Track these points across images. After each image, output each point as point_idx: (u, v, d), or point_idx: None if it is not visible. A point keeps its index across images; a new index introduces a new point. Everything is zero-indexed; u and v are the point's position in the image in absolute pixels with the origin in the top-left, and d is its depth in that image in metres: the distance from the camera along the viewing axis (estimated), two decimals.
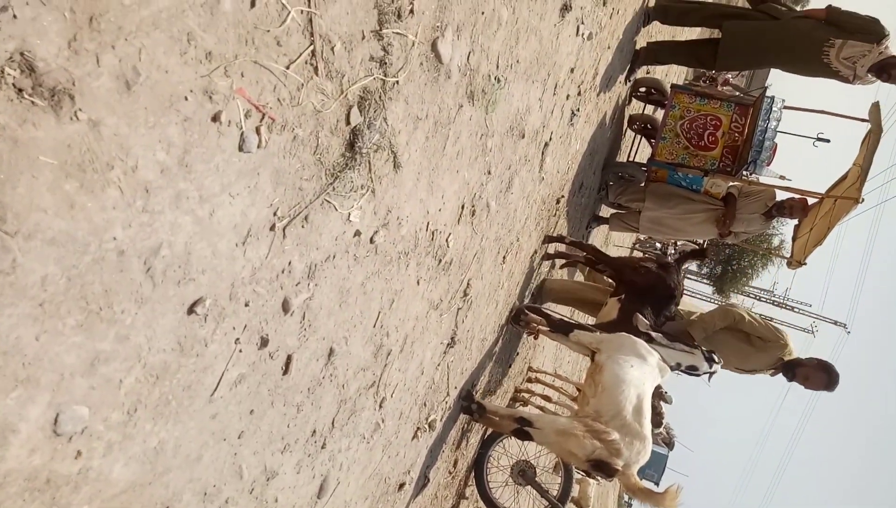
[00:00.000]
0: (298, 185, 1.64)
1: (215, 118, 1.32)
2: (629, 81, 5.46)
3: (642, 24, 5.08)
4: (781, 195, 5.06)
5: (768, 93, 5.11)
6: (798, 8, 5.27)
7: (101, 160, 1.10)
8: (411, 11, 1.86)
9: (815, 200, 4.93)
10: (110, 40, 1.06)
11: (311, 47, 1.53)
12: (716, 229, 5.22)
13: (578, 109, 4.07)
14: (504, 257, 3.44)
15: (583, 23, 3.49)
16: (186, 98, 1.24)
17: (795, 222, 5.15)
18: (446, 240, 2.63)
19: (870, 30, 4.18)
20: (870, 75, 4.32)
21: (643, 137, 6.06)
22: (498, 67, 2.62)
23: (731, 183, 5.18)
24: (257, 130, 1.45)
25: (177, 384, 1.34)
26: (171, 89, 1.20)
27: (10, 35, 0.93)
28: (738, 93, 5.76)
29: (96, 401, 1.17)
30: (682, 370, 3.34)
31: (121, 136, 1.13)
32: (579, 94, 4.00)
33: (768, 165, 5.15)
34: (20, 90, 0.96)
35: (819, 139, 5.23)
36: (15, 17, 0.92)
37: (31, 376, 1.05)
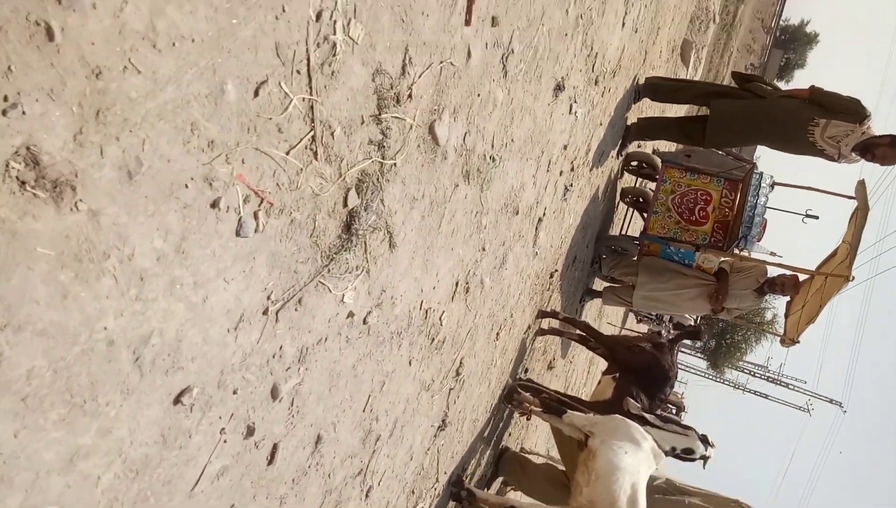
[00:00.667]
0: (294, 268, 1.63)
1: (214, 204, 1.32)
2: (621, 155, 5.58)
3: (633, 101, 5.24)
4: (773, 271, 5.09)
5: (757, 168, 5.22)
6: (783, 87, 5.44)
7: (99, 249, 1.09)
8: (410, 96, 1.91)
9: (806, 276, 4.96)
10: (115, 132, 1.07)
11: (312, 133, 1.55)
12: (709, 305, 5.21)
13: (571, 185, 4.14)
14: (497, 334, 3.41)
15: (575, 101, 3.59)
16: (187, 186, 1.24)
17: (787, 298, 5.16)
18: (440, 318, 2.61)
19: (852, 110, 4.31)
20: (854, 154, 4.42)
21: (635, 211, 6.15)
22: (493, 146, 2.67)
23: (722, 258, 5.21)
24: (255, 215, 1.45)
25: (157, 479, 1.29)
26: (172, 178, 1.21)
27: (18, 130, 0.93)
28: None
29: (71, 500, 1.11)
30: (677, 454, 3.26)
31: (120, 225, 1.12)
32: (572, 169, 4.07)
33: (759, 240, 5.21)
34: (23, 183, 0.96)
35: (808, 216, 5.31)
36: (24, 113, 0.93)
37: (4, 475, 1.00)
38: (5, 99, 0.91)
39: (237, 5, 1.22)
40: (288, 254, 1.60)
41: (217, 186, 1.32)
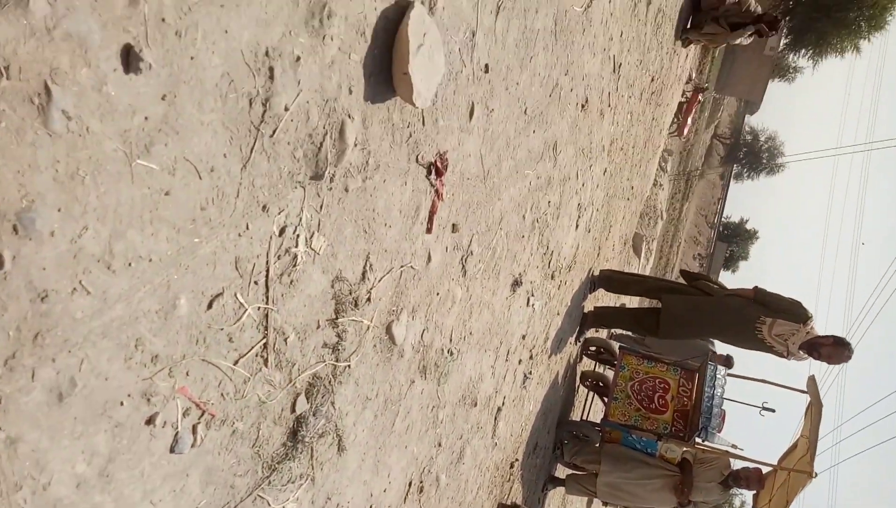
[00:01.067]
0: (230, 482, 1.52)
1: (150, 421, 1.25)
2: (579, 341, 5.66)
3: (588, 291, 5.43)
4: (736, 464, 5.00)
5: (713, 347, 5.32)
6: (729, 277, 5.73)
7: (10, 481, 1.00)
8: (368, 299, 1.93)
9: (770, 468, 4.88)
10: (52, 354, 1.04)
11: (264, 341, 1.54)
12: (675, 498, 5.03)
13: (531, 372, 4.12)
14: None
15: (533, 295, 3.70)
16: (122, 403, 1.19)
17: (753, 492, 5.03)
18: None
19: (794, 311, 4.52)
20: (802, 352, 4.56)
21: (596, 394, 6.12)
22: (451, 340, 2.67)
23: (684, 448, 5.13)
24: (194, 429, 1.38)
25: None
26: (107, 396, 1.15)
27: None
28: None
29: None
30: None
31: (39, 451, 1.04)
32: (531, 358, 4.08)
33: (719, 432, 5.17)
34: None
35: (765, 408, 5.34)
36: None
37: None
38: None
39: (201, 226, 1.26)
40: (226, 468, 1.50)
41: (155, 402, 1.26)
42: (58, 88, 0.92)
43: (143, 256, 1.15)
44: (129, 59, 1.00)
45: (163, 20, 1.03)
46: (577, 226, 4.17)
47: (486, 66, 2.09)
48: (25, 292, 0.97)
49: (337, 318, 1.80)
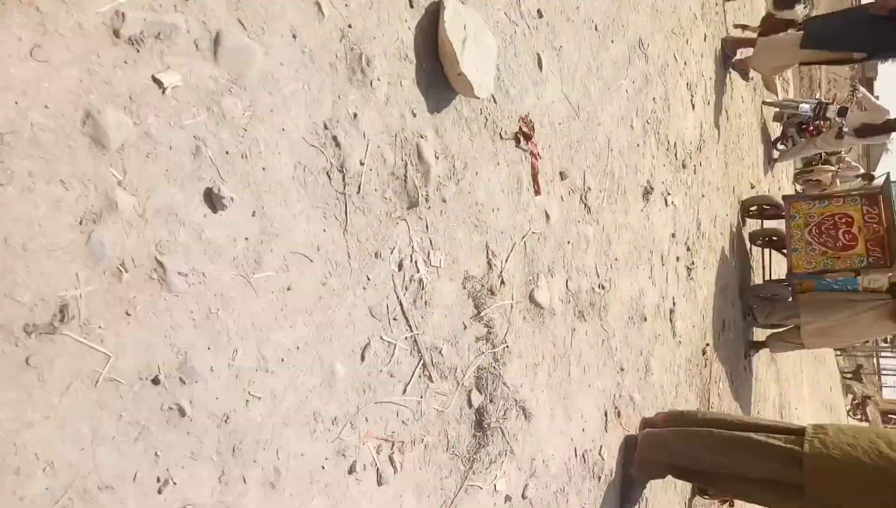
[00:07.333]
0: (440, 486, 1.68)
1: (351, 470, 1.41)
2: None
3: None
4: None
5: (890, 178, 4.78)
6: None
7: None
8: (502, 282, 1.97)
9: None
10: (251, 456, 1.20)
11: (421, 362, 1.64)
12: (893, 323, 4.74)
13: (693, 263, 3.95)
14: None
15: (668, 193, 3.50)
16: (323, 467, 1.35)
17: None
18: (600, 454, 2.54)
19: None
20: None
21: (772, 250, 5.78)
22: (598, 276, 2.65)
23: (889, 274, 4.74)
24: (391, 459, 1.53)
25: None
26: (309, 467, 1.32)
27: (174, 500, 1.07)
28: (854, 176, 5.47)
29: None
30: None
31: None
32: (688, 249, 3.90)
33: None
34: None
35: None
36: (175, 483, 1.07)
37: None
38: (158, 480, 1.06)
39: (328, 298, 1.36)
40: (431, 477, 1.65)
41: (350, 454, 1.41)
42: (167, 257, 1.03)
43: (291, 347, 1.28)
44: (213, 200, 1.09)
45: (227, 153, 1.11)
46: (692, 106, 3.83)
47: (539, 10, 1.97)
48: (210, 423, 1.13)
49: (480, 312, 1.86)
